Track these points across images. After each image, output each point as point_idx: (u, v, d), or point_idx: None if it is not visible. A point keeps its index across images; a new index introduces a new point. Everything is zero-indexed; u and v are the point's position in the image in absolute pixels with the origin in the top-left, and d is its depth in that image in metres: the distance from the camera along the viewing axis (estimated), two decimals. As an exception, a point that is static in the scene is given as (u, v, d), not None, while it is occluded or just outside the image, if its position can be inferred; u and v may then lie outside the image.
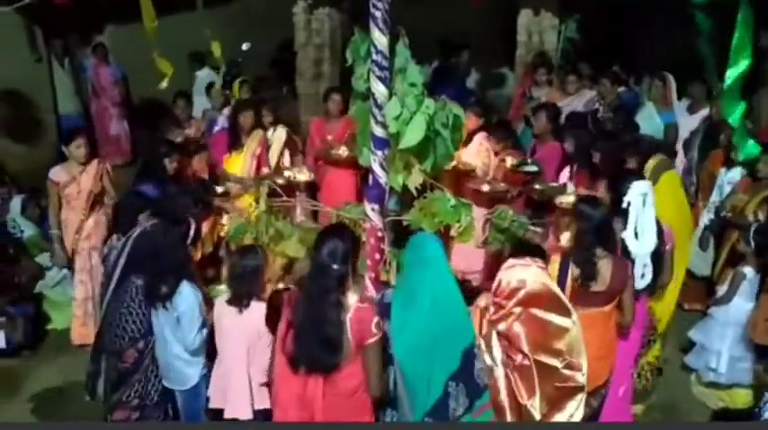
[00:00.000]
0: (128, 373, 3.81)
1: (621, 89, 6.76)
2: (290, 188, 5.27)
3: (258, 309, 3.50)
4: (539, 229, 3.95)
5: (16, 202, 5.99)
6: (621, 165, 4.65)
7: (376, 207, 3.69)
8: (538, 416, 3.16)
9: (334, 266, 2.93)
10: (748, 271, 4.46)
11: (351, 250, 3.01)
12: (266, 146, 5.77)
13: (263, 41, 9.20)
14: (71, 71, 8.44)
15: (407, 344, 2.97)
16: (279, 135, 5.92)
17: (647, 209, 3.76)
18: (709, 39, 6.45)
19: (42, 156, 8.04)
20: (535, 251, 3.53)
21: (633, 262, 3.71)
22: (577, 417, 3.22)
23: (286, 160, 5.96)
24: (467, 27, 8.38)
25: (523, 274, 3.22)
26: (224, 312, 3.55)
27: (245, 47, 9.39)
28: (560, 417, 3.18)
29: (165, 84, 5.65)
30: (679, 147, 6.19)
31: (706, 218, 5.43)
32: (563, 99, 6.52)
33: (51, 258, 5.54)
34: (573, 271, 3.53)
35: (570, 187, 4.91)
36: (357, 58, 3.71)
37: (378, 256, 3.74)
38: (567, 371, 3.16)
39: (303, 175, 5.55)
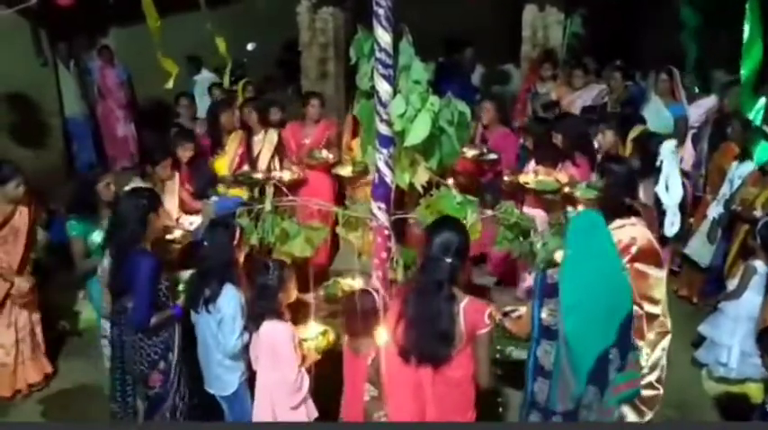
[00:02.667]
0: (159, 398, 3.71)
1: (629, 83, 6.74)
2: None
3: (271, 328, 3.37)
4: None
5: (23, 206, 5.98)
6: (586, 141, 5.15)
7: (382, 205, 3.67)
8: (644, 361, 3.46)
9: (447, 260, 2.92)
10: (759, 265, 4.42)
11: (465, 243, 3.00)
12: (247, 145, 5.81)
13: (268, 41, 9.21)
14: (77, 74, 8.43)
15: (581, 319, 2.99)
16: (270, 138, 5.89)
17: (674, 164, 4.37)
18: (695, 33, 6.46)
19: (49, 160, 8.10)
20: (633, 211, 3.71)
21: (665, 212, 4.27)
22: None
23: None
24: (471, 23, 8.34)
25: (633, 232, 3.54)
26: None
27: (250, 47, 9.40)
28: (657, 356, 3.55)
29: (171, 83, 5.63)
30: (688, 141, 6.15)
31: (715, 211, 5.39)
32: (570, 94, 6.49)
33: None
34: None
35: (532, 166, 5.20)
36: (361, 57, 3.68)
37: (384, 255, 3.73)
38: (662, 318, 3.46)
39: (287, 174, 5.58)
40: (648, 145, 4.80)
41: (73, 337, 5.35)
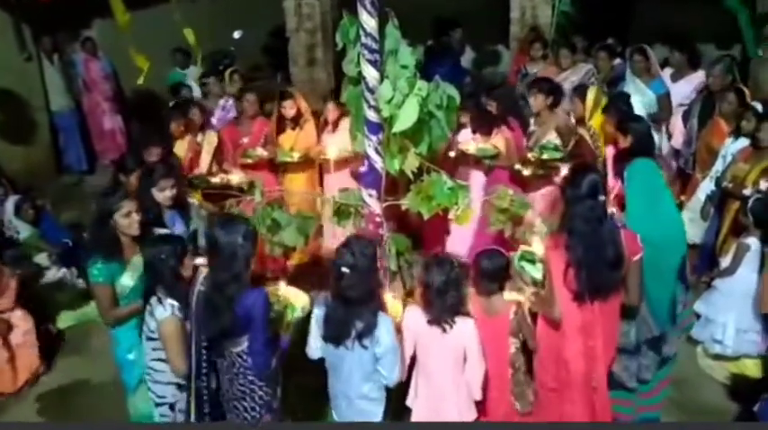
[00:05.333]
0: None
1: (617, 62, 6.69)
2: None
3: (464, 324, 3.22)
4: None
5: (10, 204, 5.95)
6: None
7: (373, 193, 3.65)
8: None
9: (601, 197, 3.20)
10: (752, 241, 4.41)
11: (604, 181, 3.36)
12: (197, 150, 5.54)
13: (255, 29, 9.12)
14: (61, 68, 8.32)
15: (651, 251, 3.35)
16: (210, 139, 5.61)
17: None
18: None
19: (36, 155, 8.04)
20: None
21: None
22: None
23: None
24: (459, 5, 8.27)
25: None
26: (424, 331, 3.25)
27: (236, 35, 9.30)
28: None
29: (141, 80, 5.54)
30: (678, 118, 6.12)
31: (707, 188, 5.37)
32: (558, 74, 6.44)
33: (49, 258, 5.55)
34: None
35: (468, 134, 5.37)
36: (347, 42, 3.64)
37: (376, 242, 3.71)
38: None
39: (236, 177, 5.27)
40: (621, 104, 5.02)
41: (67, 334, 5.31)
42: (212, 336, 3.15)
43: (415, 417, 3.43)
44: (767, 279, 4.22)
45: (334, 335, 3.12)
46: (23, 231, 5.79)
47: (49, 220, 6.17)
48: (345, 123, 5.69)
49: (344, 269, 3.02)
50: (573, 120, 5.33)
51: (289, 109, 5.78)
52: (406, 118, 3.34)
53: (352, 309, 3.07)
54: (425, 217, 3.71)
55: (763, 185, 4.72)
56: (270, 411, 3.29)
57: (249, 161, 5.67)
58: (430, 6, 8.23)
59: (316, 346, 3.25)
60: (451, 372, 3.28)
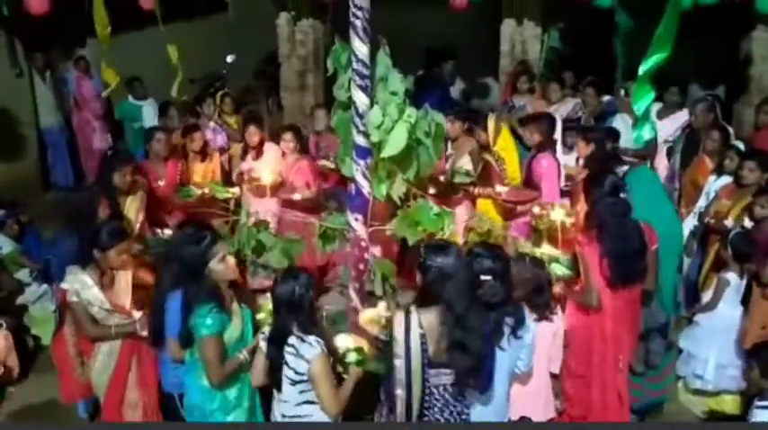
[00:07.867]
0: None
1: (607, 98, 6.79)
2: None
3: (558, 319, 3.60)
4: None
5: (-6, 219, 5.89)
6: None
7: (359, 217, 3.66)
8: None
9: (622, 194, 3.70)
10: (732, 277, 4.45)
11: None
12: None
13: (248, 54, 9.19)
14: (52, 85, 8.35)
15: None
16: (139, 196, 4.85)
17: None
18: (624, 37, 6.80)
19: (23, 170, 8.00)
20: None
21: None
22: None
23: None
24: (450, 37, 8.39)
25: None
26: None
27: (229, 59, 9.37)
28: None
29: (105, 93, 5.51)
30: (663, 155, 6.21)
31: (690, 224, 5.43)
32: (546, 107, 6.53)
33: (30, 274, 5.49)
34: None
35: None
36: (338, 68, 3.70)
37: (362, 267, 3.71)
38: None
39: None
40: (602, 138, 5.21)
41: (41, 352, 5.23)
42: (465, 373, 2.91)
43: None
44: (754, 313, 4.25)
45: (494, 339, 3.08)
46: (5, 246, 5.73)
47: (33, 236, 6.11)
48: (270, 148, 5.61)
49: (486, 277, 3.01)
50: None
51: (197, 142, 5.58)
52: (396, 143, 3.39)
53: (500, 310, 3.08)
54: (410, 242, 3.73)
55: (746, 222, 4.79)
56: None
57: (189, 200, 5.27)
58: (421, 37, 8.35)
59: None
60: (545, 356, 3.54)
